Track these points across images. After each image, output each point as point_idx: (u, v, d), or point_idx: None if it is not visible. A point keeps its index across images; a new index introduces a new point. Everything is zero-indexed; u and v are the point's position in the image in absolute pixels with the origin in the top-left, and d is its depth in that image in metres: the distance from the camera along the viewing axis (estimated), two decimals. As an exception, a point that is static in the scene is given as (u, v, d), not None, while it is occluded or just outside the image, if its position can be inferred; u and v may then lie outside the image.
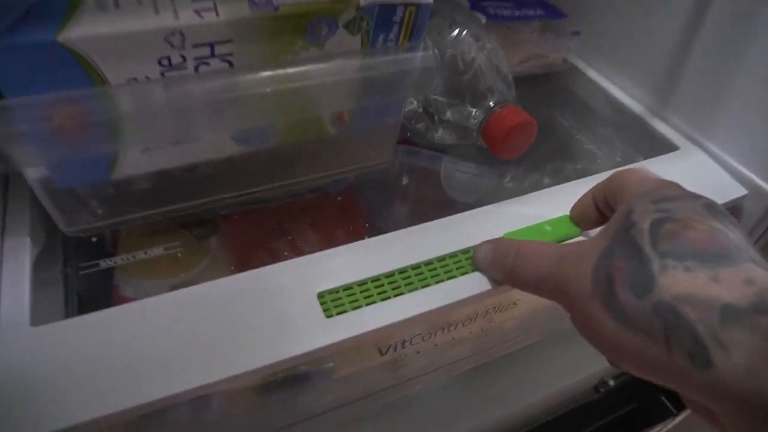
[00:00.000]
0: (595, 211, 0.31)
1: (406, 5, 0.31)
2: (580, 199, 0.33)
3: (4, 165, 0.27)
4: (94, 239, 0.36)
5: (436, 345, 0.39)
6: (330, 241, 0.43)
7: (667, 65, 0.47)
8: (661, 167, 0.42)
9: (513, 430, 0.53)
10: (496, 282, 0.32)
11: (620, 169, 0.30)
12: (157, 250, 0.36)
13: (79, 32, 0.25)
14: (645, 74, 0.49)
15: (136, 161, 0.32)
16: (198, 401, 0.34)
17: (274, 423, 0.41)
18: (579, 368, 0.54)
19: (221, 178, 0.35)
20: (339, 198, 0.44)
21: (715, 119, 0.43)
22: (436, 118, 0.39)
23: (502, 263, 0.30)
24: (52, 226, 0.35)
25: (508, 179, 0.47)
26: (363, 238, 0.44)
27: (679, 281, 0.19)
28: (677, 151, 0.44)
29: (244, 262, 0.41)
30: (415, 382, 0.43)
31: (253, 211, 0.43)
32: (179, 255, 0.39)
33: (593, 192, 0.31)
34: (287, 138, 0.36)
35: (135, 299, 0.37)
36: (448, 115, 0.39)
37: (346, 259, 0.33)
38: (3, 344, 0.27)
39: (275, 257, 0.42)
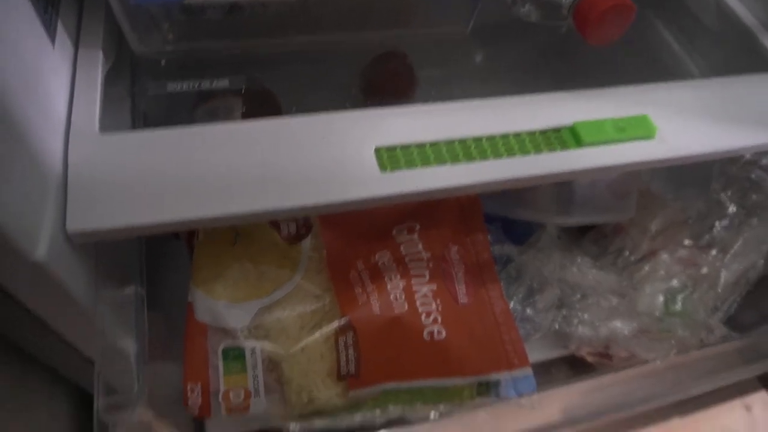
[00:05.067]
0: None
1: None
2: None
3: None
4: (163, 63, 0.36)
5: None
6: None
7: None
8: (754, 87, 0.39)
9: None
10: None
11: None
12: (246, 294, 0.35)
13: None
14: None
15: (210, -14, 0.32)
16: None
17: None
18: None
19: (293, 20, 0.34)
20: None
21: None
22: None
23: None
24: (122, 46, 0.36)
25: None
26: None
27: None
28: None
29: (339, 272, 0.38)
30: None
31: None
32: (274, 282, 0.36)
33: None
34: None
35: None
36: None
37: (409, 119, 0.32)
38: (73, 145, 0.28)
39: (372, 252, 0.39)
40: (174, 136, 0.30)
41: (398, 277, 0.37)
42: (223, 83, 0.34)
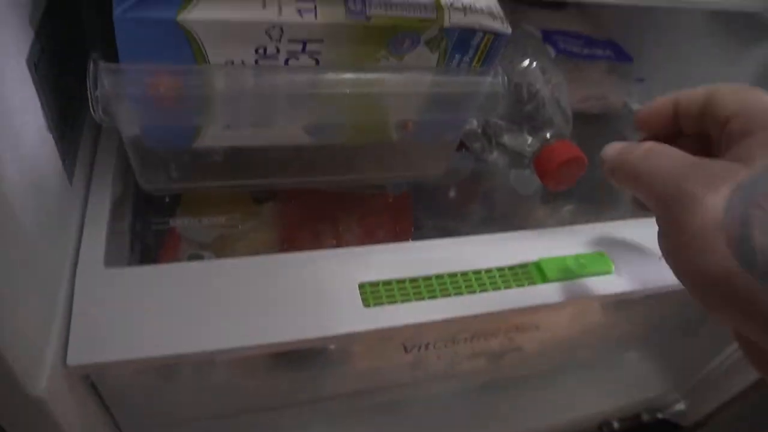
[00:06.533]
0: (670, 120, 0.27)
1: (485, 32, 0.34)
2: (654, 104, 0.28)
3: (109, 120, 0.30)
4: (167, 199, 0.40)
5: (456, 353, 0.41)
6: (371, 237, 0.46)
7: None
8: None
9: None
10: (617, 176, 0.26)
11: (728, 87, 0.25)
12: (217, 219, 0.40)
13: (196, 15, 0.28)
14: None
15: (216, 135, 0.35)
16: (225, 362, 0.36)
17: (290, 397, 0.43)
18: (587, 404, 0.55)
19: (287, 164, 0.38)
20: (391, 200, 0.46)
21: None
22: (493, 139, 0.41)
23: (628, 152, 0.25)
24: (128, 180, 0.39)
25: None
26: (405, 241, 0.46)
27: None
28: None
29: (289, 233, 0.44)
30: (429, 385, 0.45)
31: (310, 191, 0.46)
32: (238, 221, 0.43)
33: (678, 99, 0.27)
34: (354, 137, 0.38)
35: (183, 236, 0.40)
36: (505, 139, 0.41)
37: (390, 256, 0.35)
38: (80, 279, 0.31)
39: (318, 237, 0.44)
40: (173, 271, 0.32)
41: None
42: (217, 219, 0.38)
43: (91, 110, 0.29)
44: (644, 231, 0.41)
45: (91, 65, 0.29)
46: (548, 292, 0.36)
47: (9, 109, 0.24)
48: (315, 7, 0.30)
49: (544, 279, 0.36)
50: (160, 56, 0.30)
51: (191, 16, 0.28)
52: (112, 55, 0.30)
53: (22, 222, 0.25)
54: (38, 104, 0.28)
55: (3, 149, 0.23)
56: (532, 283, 0.36)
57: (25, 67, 0.27)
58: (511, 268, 0.37)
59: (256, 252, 0.42)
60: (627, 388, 0.55)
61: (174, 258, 0.41)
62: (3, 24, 0.24)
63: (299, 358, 0.38)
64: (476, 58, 0.35)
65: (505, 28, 0.34)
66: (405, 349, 0.38)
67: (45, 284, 0.28)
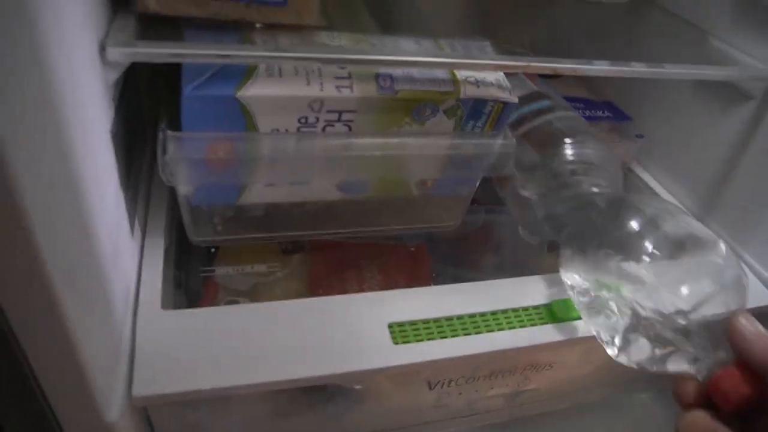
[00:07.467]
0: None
1: (495, 101, 0.39)
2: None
3: (170, 179, 0.35)
4: (212, 250, 0.44)
5: (476, 390, 0.43)
6: (393, 283, 0.49)
7: (716, 176, 0.52)
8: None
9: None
10: None
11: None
12: (256, 268, 0.44)
13: (252, 92, 0.33)
14: (694, 182, 0.55)
15: (258, 192, 0.40)
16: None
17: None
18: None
19: (319, 217, 0.43)
20: (412, 249, 0.50)
21: (754, 232, 0.48)
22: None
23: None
24: (174, 233, 0.43)
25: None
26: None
27: None
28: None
29: (317, 281, 0.48)
30: (450, 424, 0.48)
31: (335, 243, 0.50)
32: (275, 269, 0.47)
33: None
34: (378, 192, 0.43)
35: (221, 284, 0.44)
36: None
37: (415, 299, 0.39)
38: (140, 320, 0.34)
39: (344, 285, 0.48)
40: (223, 313, 0.36)
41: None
42: (258, 269, 0.42)
43: (160, 172, 0.34)
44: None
45: (161, 133, 0.34)
46: (560, 331, 0.39)
47: (99, 171, 0.29)
48: (351, 84, 0.35)
49: (556, 319, 0.40)
50: (218, 126, 0.35)
51: (248, 92, 0.33)
52: (173, 123, 0.35)
53: (103, 269, 0.29)
54: (115, 167, 0.33)
55: (96, 206, 0.27)
56: (545, 322, 0.39)
57: (109, 137, 0.31)
58: (525, 309, 0.40)
59: (288, 298, 0.46)
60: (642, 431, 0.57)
61: (213, 304, 0.45)
62: (98, 105, 0.29)
63: (326, 398, 0.41)
64: (488, 123, 0.40)
65: (513, 98, 0.39)
66: (429, 385, 0.41)
67: (115, 324, 0.32)
